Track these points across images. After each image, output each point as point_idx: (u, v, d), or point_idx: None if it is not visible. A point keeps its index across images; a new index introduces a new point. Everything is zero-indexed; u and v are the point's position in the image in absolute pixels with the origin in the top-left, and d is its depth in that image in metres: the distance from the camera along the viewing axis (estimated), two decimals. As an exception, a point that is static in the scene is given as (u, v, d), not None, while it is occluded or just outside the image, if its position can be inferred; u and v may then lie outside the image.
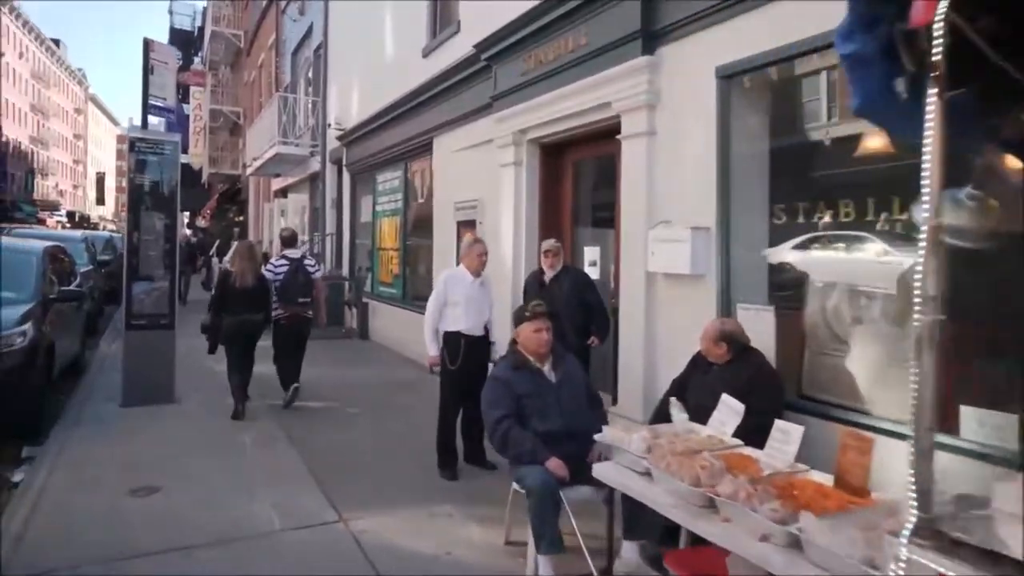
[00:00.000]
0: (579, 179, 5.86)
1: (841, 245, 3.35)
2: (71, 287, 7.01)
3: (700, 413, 2.95)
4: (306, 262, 6.30)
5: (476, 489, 4.25)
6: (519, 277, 5.81)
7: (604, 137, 5.22)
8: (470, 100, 7.00)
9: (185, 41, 35.32)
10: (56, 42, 62.39)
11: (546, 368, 3.33)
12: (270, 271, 6.18)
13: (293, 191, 16.45)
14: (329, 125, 12.20)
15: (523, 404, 3.19)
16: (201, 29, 33.66)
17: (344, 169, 11.96)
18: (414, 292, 9.13)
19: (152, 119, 24.91)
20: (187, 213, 32.87)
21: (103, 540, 3.42)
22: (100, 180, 62.26)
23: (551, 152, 5.88)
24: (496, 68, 6.14)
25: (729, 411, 2.69)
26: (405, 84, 8.54)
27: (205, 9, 32.20)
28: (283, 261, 6.22)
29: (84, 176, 70.11)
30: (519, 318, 3.37)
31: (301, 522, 3.71)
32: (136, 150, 6.07)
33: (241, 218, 25.79)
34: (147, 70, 25.20)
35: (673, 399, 2.96)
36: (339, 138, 11.62)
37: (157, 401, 6.02)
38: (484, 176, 6.74)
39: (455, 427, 4.56)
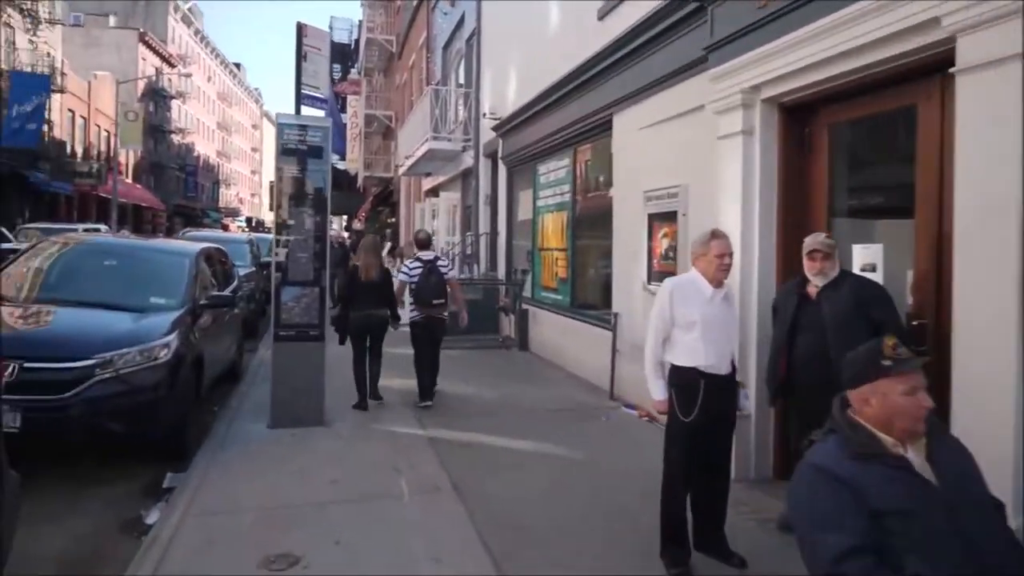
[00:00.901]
0: (838, 148, 4.19)
1: None
2: (225, 292, 6.55)
3: None
4: (439, 263, 6.21)
5: (728, 607, 2.87)
6: (751, 290, 4.26)
7: (894, 84, 3.57)
8: (667, 61, 5.56)
9: (342, 54, 37.29)
10: (237, 65, 69.74)
11: (914, 457, 1.85)
12: (404, 273, 6.28)
13: (444, 190, 15.96)
14: (484, 115, 11.34)
15: (887, 527, 1.73)
16: (357, 41, 35.26)
17: (499, 162, 11.01)
18: (584, 299, 7.85)
19: (305, 109, 25.12)
20: (344, 217, 34.62)
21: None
22: (272, 188, 68.51)
23: (796, 114, 4.28)
24: (713, 9, 4.63)
25: None
26: (574, 57, 7.29)
27: (360, 21, 33.71)
28: (416, 263, 6.17)
29: (260, 185, 77.88)
30: (870, 367, 1.87)
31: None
32: (284, 139, 5.37)
33: (393, 219, 26.27)
34: (300, 56, 25.55)
35: None
36: (494, 128, 10.67)
37: (306, 423, 5.38)
38: (688, 155, 5.28)
39: (686, 503, 3.16)
